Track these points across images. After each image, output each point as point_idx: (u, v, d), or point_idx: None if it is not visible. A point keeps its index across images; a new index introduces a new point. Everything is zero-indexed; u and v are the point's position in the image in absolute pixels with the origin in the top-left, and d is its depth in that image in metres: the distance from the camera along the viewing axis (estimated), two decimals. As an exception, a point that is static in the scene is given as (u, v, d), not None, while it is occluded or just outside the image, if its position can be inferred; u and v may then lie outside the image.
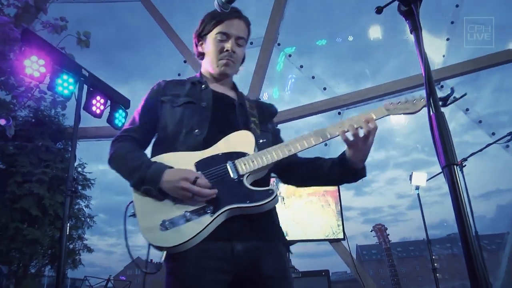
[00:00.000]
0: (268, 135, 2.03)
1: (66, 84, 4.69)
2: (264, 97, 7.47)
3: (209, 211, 1.66)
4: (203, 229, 1.63)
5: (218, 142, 1.84)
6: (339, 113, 7.10)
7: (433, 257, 5.60)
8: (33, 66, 4.76)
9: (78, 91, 4.59)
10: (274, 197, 1.72)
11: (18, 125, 6.88)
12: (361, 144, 1.80)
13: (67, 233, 3.93)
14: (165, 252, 1.62)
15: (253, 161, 1.79)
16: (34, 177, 6.67)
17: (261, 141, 1.94)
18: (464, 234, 1.10)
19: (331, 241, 5.89)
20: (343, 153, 1.90)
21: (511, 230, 6.35)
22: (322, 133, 1.85)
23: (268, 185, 1.80)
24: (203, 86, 2.04)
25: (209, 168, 1.76)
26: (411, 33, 1.31)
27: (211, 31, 2.04)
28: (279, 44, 7.50)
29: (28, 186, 6.57)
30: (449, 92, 1.72)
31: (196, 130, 1.86)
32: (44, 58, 4.77)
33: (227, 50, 2.02)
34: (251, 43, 7.53)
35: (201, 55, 2.15)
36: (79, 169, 7.81)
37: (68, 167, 4.18)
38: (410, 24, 1.31)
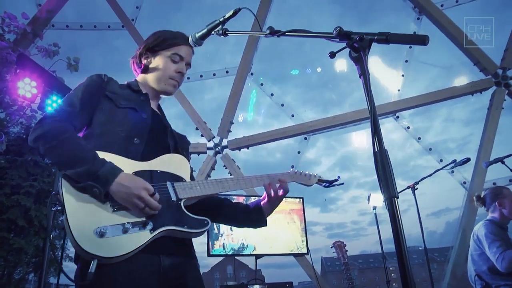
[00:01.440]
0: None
1: (55, 105, 4.65)
2: (239, 119, 7.49)
3: (148, 228, 1.53)
4: (141, 245, 1.49)
5: (155, 159, 1.75)
6: (305, 138, 7.17)
7: (390, 268, 5.65)
8: (26, 87, 4.74)
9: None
10: (208, 228, 1.71)
11: (10, 140, 6.76)
12: (276, 200, 2.00)
13: (50, 243, 3.82)
14: (95, 261, 1.39)
15: (191, 188, 1.76)
16: (22, 189, 6.53)
17: (192, 169, 1.95)
18: (401, 255, 1.12)
19: (296, 255, 5.87)
20: (258, 204, 2.03)
21: (455, 244, 6.46)
22: (251, 180, 1.98)
23: (195, 213, 1.73)
24: (142, 98, 1.92)
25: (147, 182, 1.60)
26: (360, 77, 1.33)
27: (165, 49, 1.96)
28: (252, 74, 7.56)
29: (16, 198, 6.42)
30: (336, 178, 2.24)
31: (136, 139, 1.72)
32: (36, 80, 4.75)
33: (179, 72, 1.97)
34: (227, 71, 7.61)
35: (145, 68, 2.00)
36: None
37: (54, 181, 4.10)
38: (359, 69, 1.33)
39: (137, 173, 1.63)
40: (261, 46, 7.73)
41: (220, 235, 4.91)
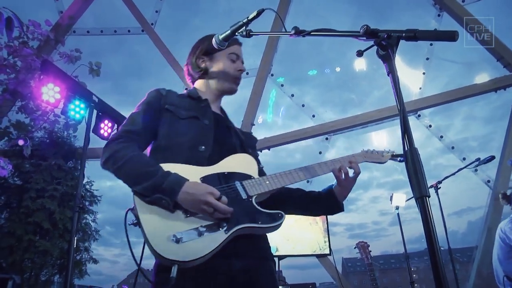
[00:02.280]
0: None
1: (77, 109, 4.73)
2: (259, 121, 7.46)
3: (223, 228, 1.55)
4: (218, 246, 1.52)
5: (221, 161, 1.78)
6: (327, 138, 7.12)
7: (412, 269, 5.57)
8: (50, 92, 4.85)
9: (88, 115, 4.60)
10: (283, 221, 1.68)
11: (34, 145, 6.88)
12: (349, 183, 1.92)
13: (75, 245, 3.88)
14: (176, 266, 1.43)
15: (261, 184, 1.76)
16: (47, 193, 6.65)
17: (261, 166, 1.96)
18: (434, 256, 1.11)
19: (318, 256, 5.84)
20: (330, 189, 1.95)
21: (479, 244, 6.33)
22: (321, 167, 1.94)
23: (266, 207, 1.73)
24: (202, 104, 1.96)
25: (216, 185, 1.64)
26: (388, 75, 1.32)
27: (221, 50, 1.97)
28: (272, 75, 7.55)
29: (41, 201, 6.54)
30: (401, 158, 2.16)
31: (202, 147, 1.77)
32: (59, 86, 4.85)
33: (240, 70, 2.04)
34: (247, 73, 7.60)
35: (205, 71, 2.04)
36: (87, 186, 7.78)
37: (78, 185, 4.15)
38: (387, 67, 1.32)
39: (205, 178, 1.67)
40: (280, 48, 7.71)
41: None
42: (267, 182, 1.79)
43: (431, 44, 7.12)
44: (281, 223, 1.67)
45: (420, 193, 1.14)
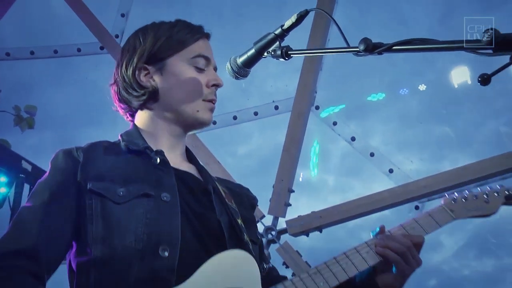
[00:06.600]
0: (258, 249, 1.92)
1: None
2: (299, 179, 7.31)
3: None
4: None
5: (198, 272, 1.58)
6: (417, 207, 6.89)
7: None
8: None
9: (15, 195, 4.55)
10: None
11: None
12: (408, 270, 1.86)
13: None
14: None
15: None
16: None
17: (267, 265, 1.90)
18: None
19: None
20: (370, 276, 1.91)
21: None
22: (360, 254, 1.87)
23: None
24: (155, 161, 1.78)
25: None
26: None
27: (178, 52, 1.88)
28: (317, 108, 7.42)
29: None
30: None
31: (164, 250, 1.59)
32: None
33: (215, 85, 1.91)
34: (276, 107, 7.45)
35: (150, 95, 1.89)
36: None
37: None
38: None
39: None
40: (325, 62, 7.53)
41: None
42: None
43: None
44: None
45: None
